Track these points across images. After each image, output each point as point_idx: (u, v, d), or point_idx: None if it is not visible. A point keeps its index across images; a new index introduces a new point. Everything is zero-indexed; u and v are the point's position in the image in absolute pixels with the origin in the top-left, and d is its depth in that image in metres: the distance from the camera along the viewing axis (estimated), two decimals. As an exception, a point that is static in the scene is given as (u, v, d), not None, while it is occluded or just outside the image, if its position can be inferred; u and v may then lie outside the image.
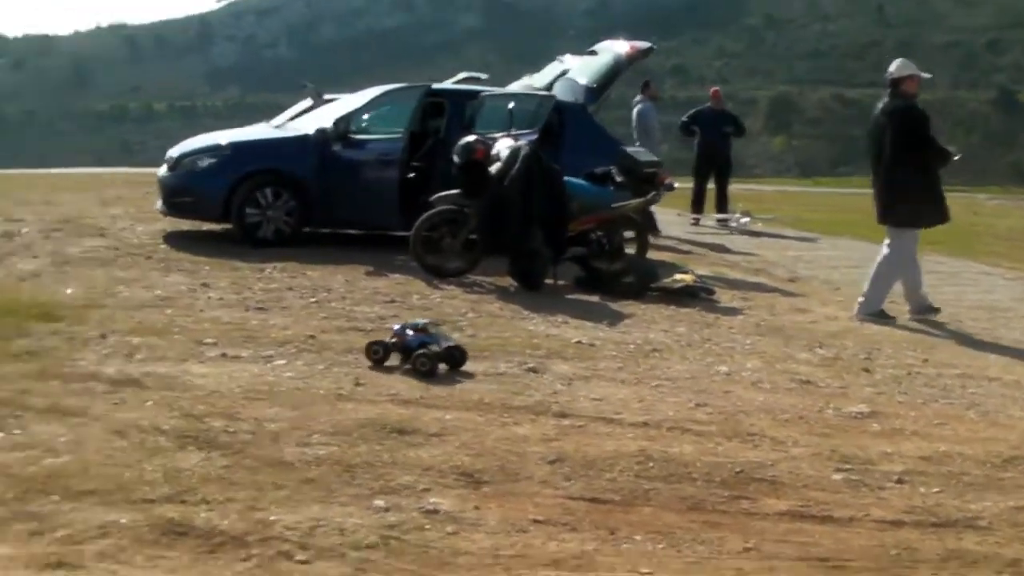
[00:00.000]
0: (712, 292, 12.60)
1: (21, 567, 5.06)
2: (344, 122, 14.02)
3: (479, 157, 12.25)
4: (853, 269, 15.84)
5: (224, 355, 8.78)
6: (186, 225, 15.04)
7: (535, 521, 5.92)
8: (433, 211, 12.47)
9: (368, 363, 8.50)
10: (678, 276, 12.75)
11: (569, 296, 12.17)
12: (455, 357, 8.45)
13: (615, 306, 11.77)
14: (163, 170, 14.90)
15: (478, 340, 9.75)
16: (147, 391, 7.74)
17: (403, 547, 5.50)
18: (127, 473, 6.23)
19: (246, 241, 13.53)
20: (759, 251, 17.34)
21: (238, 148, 14.01)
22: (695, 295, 12.38)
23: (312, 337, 9.40)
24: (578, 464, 6.84)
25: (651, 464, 6.94)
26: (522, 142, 12.25)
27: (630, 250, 13.33)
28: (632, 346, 9.93)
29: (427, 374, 8.20)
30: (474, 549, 5.54)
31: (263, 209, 13.74)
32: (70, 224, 15.04)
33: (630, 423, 7.74)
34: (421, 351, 8.29)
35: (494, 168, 12.18)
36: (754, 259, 16.35)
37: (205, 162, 13.85)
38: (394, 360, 8.52)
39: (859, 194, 31.49)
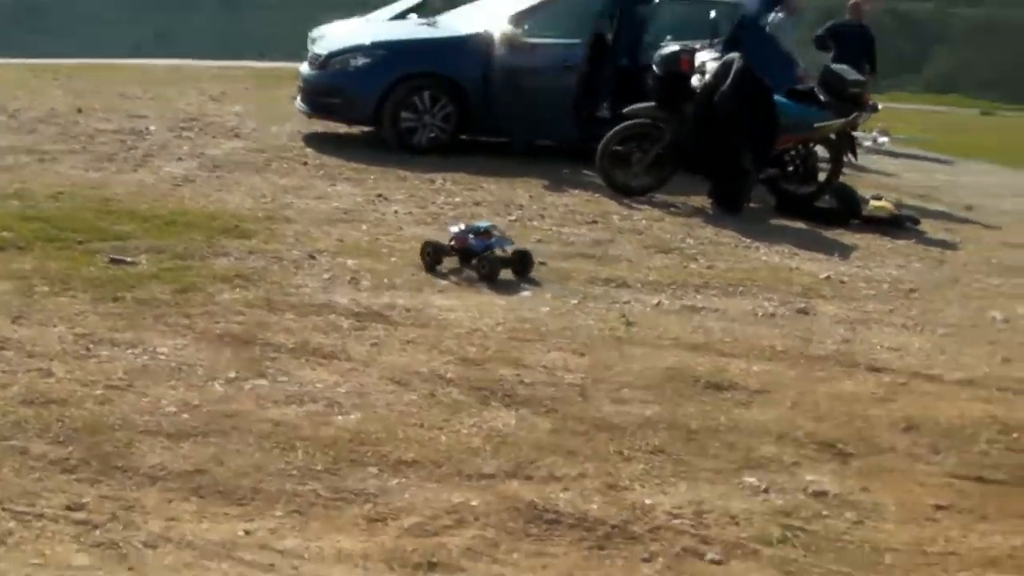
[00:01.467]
0: (917, 222, 11.61)
1: (384, 567, 4.13)
2: (513, 23, 12.63)
3: (684, 68, 10.99)
4: (1020, 198, 14.97)
5: (458, 284, 7.72)
6: (320, 127, 13.88)
7: (938, 507, 5.05)
8: (625, 124, 11.33)
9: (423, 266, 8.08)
10: (874, 203, 11.54)
11: (772, 221, 11.12)
12: (524, 262, 8.03)
13: (828, 235, 10.77)
14: (306, 68, 13.62)
15: (718, 271, 8.86)
16: (398, 327, 6.76)
17: (815, 542, 4.62)
18: (443, 437, 5.27)
19: (399, 147, 12.26)
20: (908, 173, 16.22)
21: (395, 48, 12.69)
22: (900, 225, 11.36)
23: (543, 264, 8.28)
24: (935, 433, 5.91)
25: (1015, 435, 5.98)
26: (734, 54, 11.02)
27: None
28: (885, 284, 8.98)
29: (488, 278, 7.76)
30: (895, 544, 4.67)
31: (420, 114, 12.44)
32: (196, 123, 13.89)
33: (952, 380, 6.80)
34: (485, 254, 7.81)
35: (695, 81, 10.90)
36: (911, 183, 15.13)
37: (359, 61, 12.70)
38: (450, 263, 8.13)
39: (934, 111, 29.95)
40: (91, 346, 6.01)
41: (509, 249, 8.05)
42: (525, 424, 5.48)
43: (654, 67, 11.22)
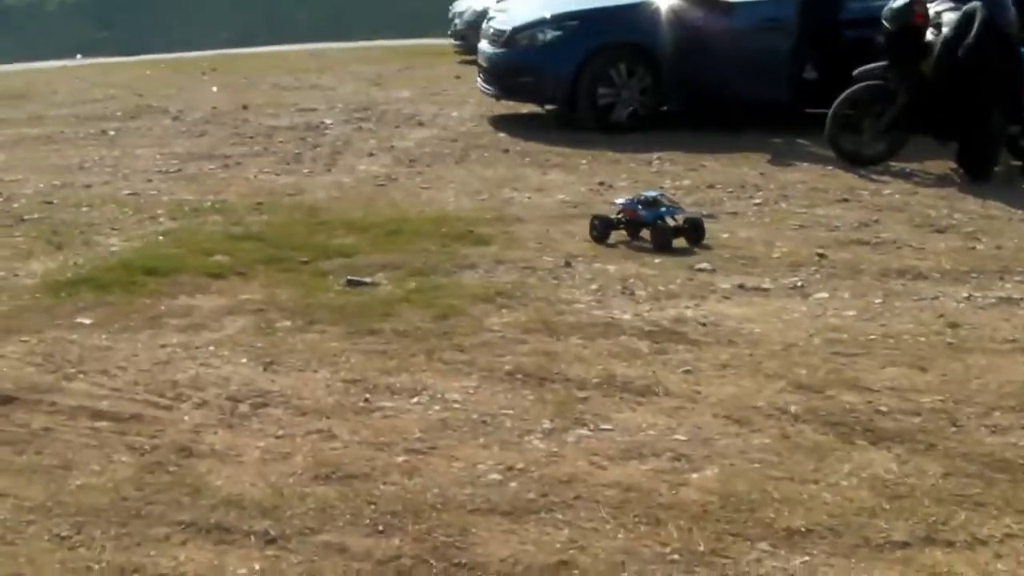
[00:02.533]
0: None
1: None
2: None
3: (918, 22, 9.94)
4: None
5: (741, 286, 6.96)
6: (502, 108, 13.03)
7: None
8: (855, 87, 10.33)
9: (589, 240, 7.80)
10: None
11: (1024, 185, 9.88)
12: (696, 230, 7.73)
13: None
14: (486, 45, 12.70)
15: (1010, 251, 7.86)
16: (703, 348, 5.91)
17: None
18: (824, 494, 4.42)
19: (597, 125, 11.39)
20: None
21: (585, 18, 11.71)
22: None
23: (821, 256, 7.47)
24: None
25: None
26: (975, 4, 9.91)
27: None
28: None
29: (662, 247, 7.55)
30: None
31: (617, 88, 11.44)
32: (370, 112, 13.20)
33: None
34: (657, 224, 7.59)
35: (931, 35, 9.87)
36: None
37: (548, 35, 11.77)
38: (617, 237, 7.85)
39: None
40: (368, 396, 5.24)
41: (680, 217, 7.74)
42: (909, 468, 4.63)
43: (884, 22, 10.18)
